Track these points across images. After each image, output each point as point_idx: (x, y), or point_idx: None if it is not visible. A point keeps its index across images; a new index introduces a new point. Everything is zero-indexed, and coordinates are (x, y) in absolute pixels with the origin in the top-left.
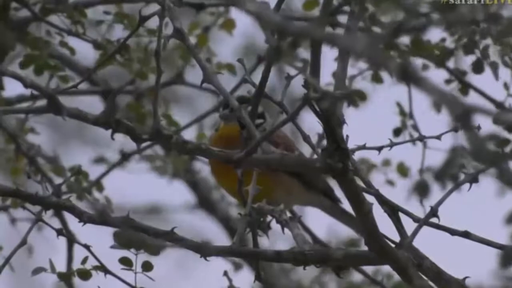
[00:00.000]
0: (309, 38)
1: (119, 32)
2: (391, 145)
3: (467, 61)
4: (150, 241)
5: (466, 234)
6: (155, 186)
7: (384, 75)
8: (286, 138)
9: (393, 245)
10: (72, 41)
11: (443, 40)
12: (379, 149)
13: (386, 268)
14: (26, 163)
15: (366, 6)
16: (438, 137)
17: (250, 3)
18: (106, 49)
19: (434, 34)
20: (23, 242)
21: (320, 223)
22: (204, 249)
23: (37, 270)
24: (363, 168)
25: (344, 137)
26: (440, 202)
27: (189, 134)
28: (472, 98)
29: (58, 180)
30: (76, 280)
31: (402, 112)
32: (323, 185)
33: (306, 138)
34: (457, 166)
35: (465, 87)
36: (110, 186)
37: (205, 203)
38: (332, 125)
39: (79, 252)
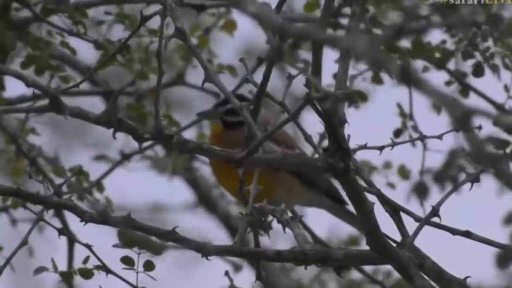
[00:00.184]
0: (310, 39)
1: (120, 33)
2: (392, 144)
3: (467, 63)
4: (152, 240)
5: (467, 234)
6: (155, 185)
7: (385, 76)
8: (287, 137)
9: (394, 245)
10: (73, 41)
11: (444, 42)
12: (381, 148)
13: (385, 267)
14: (26, 164)
15: (367, 7)
16: (439, 137)
17: (251, 4)
18: (107, 49)
19: (435, 36)
20: (24, 242)
21: (321, 222)
22: (205, 249)
23: (39, 270)
24: (364, 170)
25: (346, 136)
26: (441, 202)
27: (189, 135)
28: (473, 100)
29: (58, 181)
30: (78, 280)
31: (402, 113)
32: (326, 185)
33: (308, 138)
34: (456, 168)
35: (466, 89)
36: (111, 186)
37: (205, 202)
38: (334, 124)
39: (79, 253)
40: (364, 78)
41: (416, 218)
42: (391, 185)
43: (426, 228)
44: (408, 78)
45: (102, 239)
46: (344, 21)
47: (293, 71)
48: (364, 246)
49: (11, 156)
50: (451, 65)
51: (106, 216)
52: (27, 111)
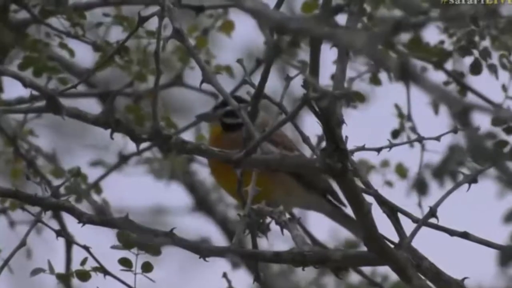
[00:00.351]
0: (309, 35)
1: (118, 34)
2: (390, 146)
3: (465, 63)
4: (151, 241)
5: (465, 235)
6: (153, 188)
7: (383, 77)
8: (285, 138)
9: (392, 246)
10: (71, 43)
11: (442, 42)
12: (378, 150)
13: (383, 269)
14: (25, 165)
15: (364, 7)
16: (437, 138)
17: (249, 1)
18: (105, 51)
19: (433, 36)
20: (22, 243)
21: (320, 225)
22: (203, 250)
23: (36, 271)
24: (362, 169)
25: (343, 137)
26: (439, 203)
27: (188, 137)
28: (470, 100)
29: (56, 183)
30: (75, 281)
31: (400, 114)
32: (324, 186)
33: (306, 139)
34: (455, 163)
35: (463, 89)
36: (108, 188)
37: (203, 205)
38: (331, 125)
39: (77, 254)
40: (362, 79)
41: (414, 219)
42: (389, 184)
43: (424, 229)
44: (407, 74)
45: (100, 241)
46: (342, 20)
47: (291, 73)
48: (362, 248)
49: (10, 157)
50: (449, 65)
51: (104, 217)
52: (25, 112)
